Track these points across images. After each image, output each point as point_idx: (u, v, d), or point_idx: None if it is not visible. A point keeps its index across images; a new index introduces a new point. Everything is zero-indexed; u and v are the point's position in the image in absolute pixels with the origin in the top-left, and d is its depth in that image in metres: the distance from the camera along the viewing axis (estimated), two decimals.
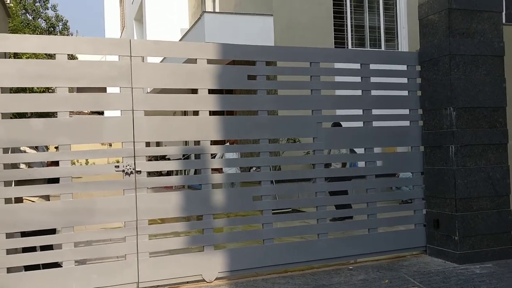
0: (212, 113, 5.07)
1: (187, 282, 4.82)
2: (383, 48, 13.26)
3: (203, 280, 4.84)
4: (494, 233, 5.41)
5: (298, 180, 6.18)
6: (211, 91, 5.05)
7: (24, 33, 15.59)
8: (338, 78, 5.91)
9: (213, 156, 9.26)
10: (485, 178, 5.43)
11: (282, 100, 5.51)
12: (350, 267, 5.34)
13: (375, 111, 5.71)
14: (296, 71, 5.58)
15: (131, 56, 4.71)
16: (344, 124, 6.79)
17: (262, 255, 5.11)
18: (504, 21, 6.27)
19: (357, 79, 5.70)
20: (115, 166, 4.60)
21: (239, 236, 5.47)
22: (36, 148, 4.94)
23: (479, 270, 5.06)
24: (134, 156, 4.65)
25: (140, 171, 4.66)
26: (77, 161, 23.75)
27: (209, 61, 5.05)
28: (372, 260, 5.59)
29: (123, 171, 4.58)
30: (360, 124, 5.72)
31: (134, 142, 4.67)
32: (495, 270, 5.06)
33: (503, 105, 5.54)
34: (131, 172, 4.60)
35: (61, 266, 4.51)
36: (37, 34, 23.89)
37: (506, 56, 5.65)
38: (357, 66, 5.73)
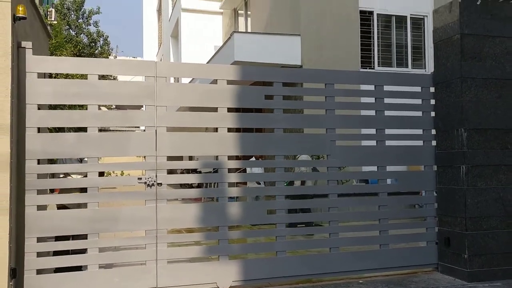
0: (243, 129, 5.39)
1: None
2: (409, 67, 13.36)
3: None
4: (504, 252, 5.50)
5: (321, 196, 6.37)
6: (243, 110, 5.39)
7: (66, 49, 16.38)
8: (364, 100, 6.15)
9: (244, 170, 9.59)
10: (496, 199, 5.54)
11: (297, 118, 5.79)
12: (361, 281, 5.52)
13: (391, 131, 5.95)
14: (310, 91, 5.86)
15: (156, 76, 5.10)
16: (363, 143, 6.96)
17: (274, 266, 5.36)
18: None
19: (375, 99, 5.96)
20: (138, 178, 4.98)
21: (253, 248, 5.74)
22: (81, 160, 5.39)
23: None
24: (156, 169, 5.02)
25: (161, 184, 5.02)
26: (113, 172, 24.53)
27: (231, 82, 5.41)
28: (384, 275, 5.75)
29: (145, 183, 4.95)
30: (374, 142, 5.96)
31: (156, 156, 5.04)
32: None
33: None
34: (153, 184, 4.96)
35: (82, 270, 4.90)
36: (79, 49, 24.97)
37: None
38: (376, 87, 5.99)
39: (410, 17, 13.56)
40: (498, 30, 5.68)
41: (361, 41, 12.82)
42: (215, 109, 5.33)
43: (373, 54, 13.09)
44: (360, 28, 12.84)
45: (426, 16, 13.46)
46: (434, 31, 6.06)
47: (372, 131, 5.96)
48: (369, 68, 12.86)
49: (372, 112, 5.95)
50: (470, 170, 5.49)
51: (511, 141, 5.65)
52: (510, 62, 5.69)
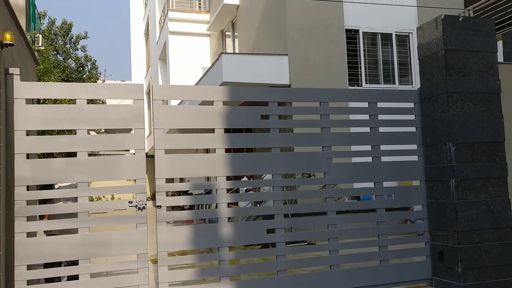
0: (234, 149, 5.46)
1: None
2: (397, 84, 13.51)
3: None
4: (497, 265, 5.51)
5: (312, 214, 6.38)
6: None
7: (54, 74, 16.39)
8: (353, 116, 6.22)
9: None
10: (486, 211, 5.57)
11: (294, 137, 5.84)
12: None
13: (385, 147, 6.03)
14: (306, 110, 5.93)
15: (153, 100, 5.14)
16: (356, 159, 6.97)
17: (275, 286, 5.34)
18: (502, 59, 6.47)
19: (365, 116, 6.06)
20: (129, 202, 4.95)
21: (254, 268, 5.72)
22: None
23: None
24: (156, 192, 5.07)
25: (160, 206, 5.03)
26: (104, 196, 24.36)
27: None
28: None
29: (136, 206, 4.93)
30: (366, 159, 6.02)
31: (155, 178, 5.07)
32: None
33: (501, 140, 5.73)
34: (143, 207, 4.94)
35: None
36: (67, 74, 24.98)
37: (506, 93, 5.87)
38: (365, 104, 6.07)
39: (395, 35, 13.76)
40: (481, 45, 5.78)
41: (348, 59, 12.97)
42: (210, 130, 5.38)
43: (360, 71, 13.23)
44: (347, 46, 13.00)
45: (411, 33, 13.66)
46: (418, 48, 6.16)
47: (360, 147, 6.01)
48: (356, 86, 12.99)
49: (361, 129, 6.00)
50: (459, 184, 5.53)
51: (498, 153, 5.71)
52: (493, 76, 5.79)
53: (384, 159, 6.03)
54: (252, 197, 8.51)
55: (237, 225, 5.54)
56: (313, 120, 5.93)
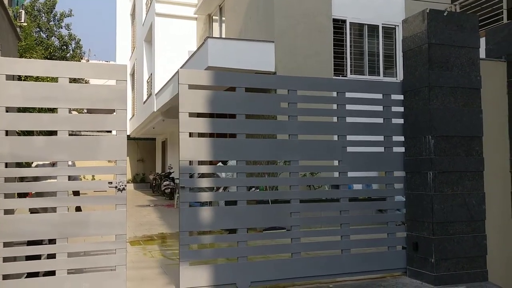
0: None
1: None
2: (381, 75, 13.59)
3: None
4: (469, 256, 5.65)
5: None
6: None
7: (37, 51, 16.11)
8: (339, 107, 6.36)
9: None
10: (461, 204, 5.69)
11: (310, 126, 5.91)
12: (331, 286, 5.59)
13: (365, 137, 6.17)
14: (324, 99, 6.13)
15: (178, 84, 5.22)
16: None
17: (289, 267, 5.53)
18: (484, 56, 6.56)
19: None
20: (109, 183, 4.94)
21: (270, 249, 5.88)
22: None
23: None
24: (176, 173, 5.09)
25: (184, 187, 5.14)
26: (84, 177, 24.19)
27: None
28: (353, 280, 5.82)
29: (116, 187, 4.92)
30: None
31: (179, 160, 5.15)
32: None
33: (479, 134, 5.83)
34: (123, 188, 4.94)
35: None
36: (50, 52, 24.56)
37: (487, 89, 5.97)
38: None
39: (382, 26, 13.82)
40: (464, 40, 5.85)
41: (334, 49, 12.99)
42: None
43: (346, 62, 13.28)
44: (333, 36, 13.01)
45: (397, 25, 13.73)
46: (403, 40, 6.20)
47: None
48: (341, 76, 13.04)
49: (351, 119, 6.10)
50: (437, 176, 5.63)
51: (476, 148, 5.82)
52: (475, 71, 5.87)
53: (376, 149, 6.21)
54: (271, 181, 8.91)
55: (255, 208, 5.75)
56: (330, 110, 6.15)
